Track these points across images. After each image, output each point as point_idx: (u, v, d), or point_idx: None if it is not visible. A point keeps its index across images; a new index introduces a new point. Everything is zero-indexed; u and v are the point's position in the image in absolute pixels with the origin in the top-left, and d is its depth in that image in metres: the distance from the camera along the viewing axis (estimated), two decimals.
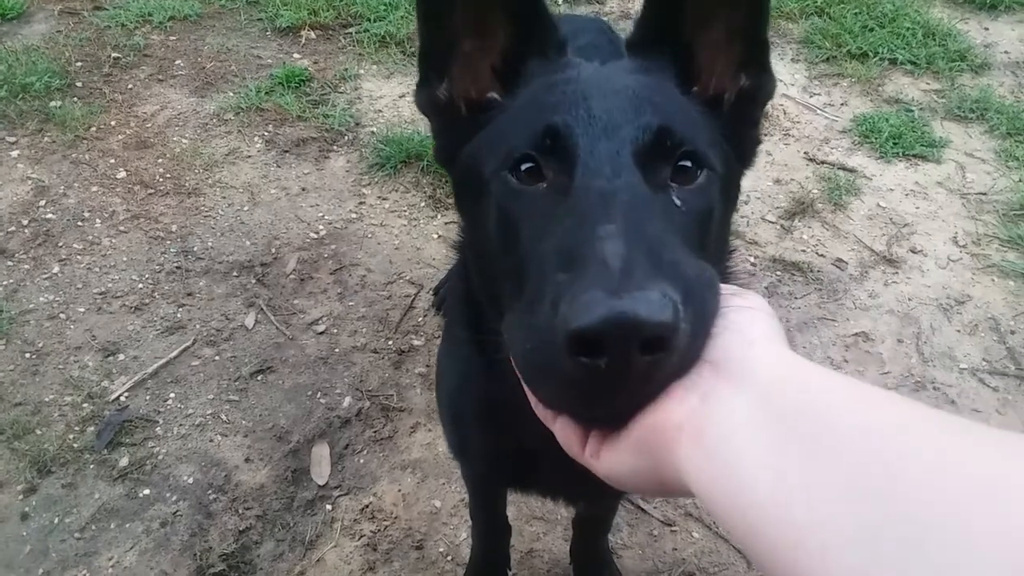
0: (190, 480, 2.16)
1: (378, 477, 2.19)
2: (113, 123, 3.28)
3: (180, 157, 3.15)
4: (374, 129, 3.33)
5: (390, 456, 2.23)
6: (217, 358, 2.46)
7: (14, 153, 3.11)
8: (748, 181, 3.13)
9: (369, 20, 3.86)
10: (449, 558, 2.03)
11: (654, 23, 0.91)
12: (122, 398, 2.33)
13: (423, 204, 3.01)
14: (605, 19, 3.43)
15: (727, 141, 0.89)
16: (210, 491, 2.14)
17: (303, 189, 3.06)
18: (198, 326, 2.54)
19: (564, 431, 0.68)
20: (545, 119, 0.80)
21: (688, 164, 0.79)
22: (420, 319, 2.60)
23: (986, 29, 4.07)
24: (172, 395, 2.35)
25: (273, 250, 2.81)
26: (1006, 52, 3.90)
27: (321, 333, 2.54)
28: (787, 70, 3.74)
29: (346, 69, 3.61)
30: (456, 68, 0.94)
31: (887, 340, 2.59)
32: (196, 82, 3.52)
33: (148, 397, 2.34)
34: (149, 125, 3.29)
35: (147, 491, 2.13)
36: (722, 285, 0.66)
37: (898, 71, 3.74)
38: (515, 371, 0.68)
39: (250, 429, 2.28)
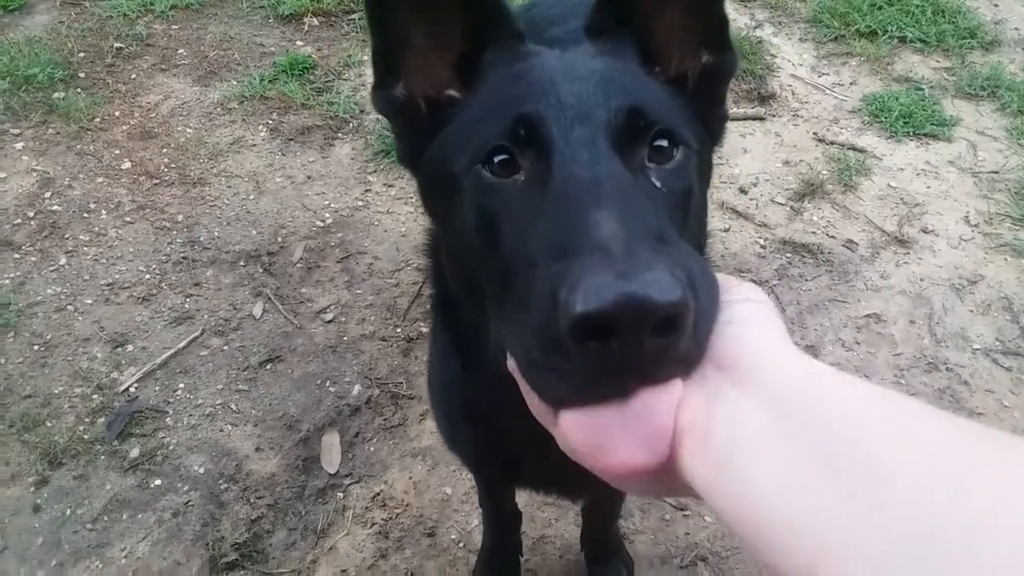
0: (201, 470, 2.16)
1: (389, 465, 2.18)
2: (117, 114, 3.27)
3: (185, 147, 3.13)
4: (379, 116, 3.31)
5: (400, 444, 2.23)
6: (226, 348, 2.46)
7: (19, 145, 3.10)
8: (757, 163, 3.13)
9: None
10: (461, 545, 2.03)
11: (610, 6, 0.90)
12: (131, 389, 2.33)
13: None
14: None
15: (695, 119, 0.88)
16: (221, 481, 2.14)
17: (308, 177, 3.04)
18: (206, 316, 2.54)
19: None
20: (515, 109, 0.78)
21: (664, 143, 0.78)
22: (428, 306, 2.59)
23: (996, 6, 4.01)
24: (181, 385, 2.35)
25: (280, 239, 2.80)
26: (1016, 29, 3.85)
27: (329, 322, 2.54)
28: (795, 50, 3.69)
29: (350, 56, 3.58)
30: (411, 66, 0.91)
31: (899, 321, 2.57)
32: (199, 71, 3.50)
33: (157, 388, 2.34)
34: (153, 115, 3.28)
35: (158, 481, 2.13)
36: (717, 274, 0.64)
37: (908, 49, 3.70)
38: (496, 376, 0.65)
39: (260, 418, 2.28)
